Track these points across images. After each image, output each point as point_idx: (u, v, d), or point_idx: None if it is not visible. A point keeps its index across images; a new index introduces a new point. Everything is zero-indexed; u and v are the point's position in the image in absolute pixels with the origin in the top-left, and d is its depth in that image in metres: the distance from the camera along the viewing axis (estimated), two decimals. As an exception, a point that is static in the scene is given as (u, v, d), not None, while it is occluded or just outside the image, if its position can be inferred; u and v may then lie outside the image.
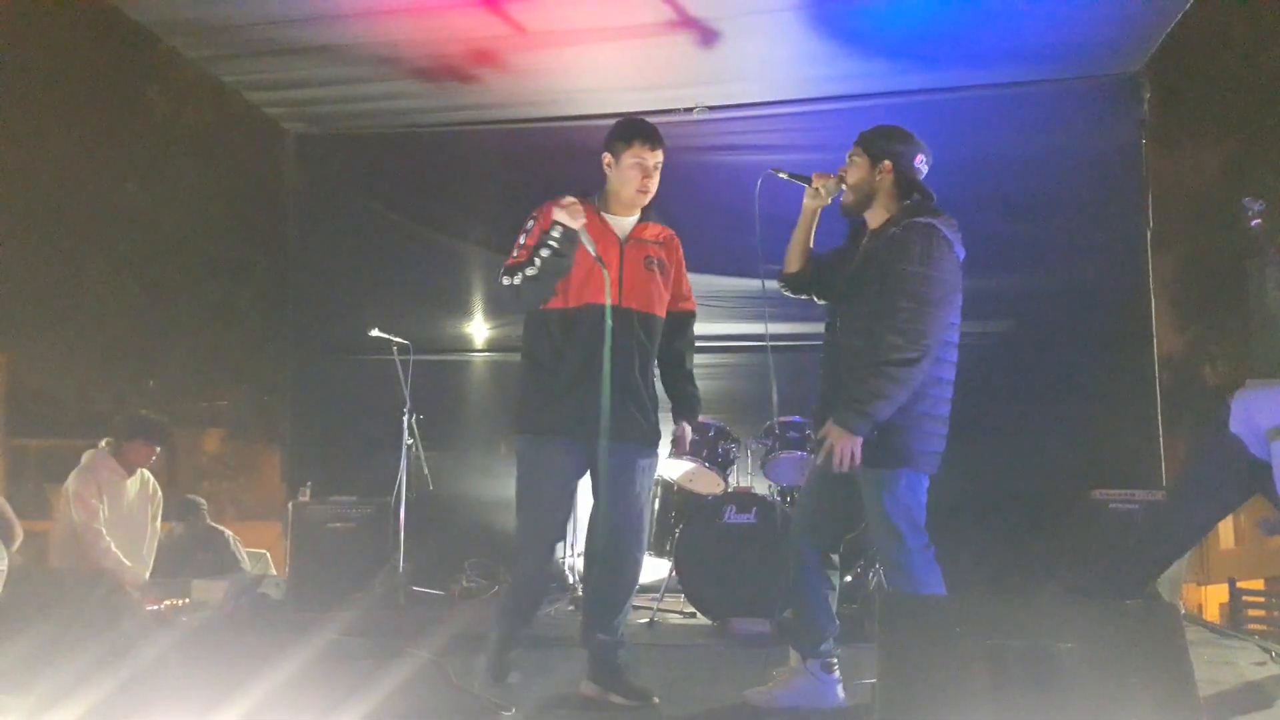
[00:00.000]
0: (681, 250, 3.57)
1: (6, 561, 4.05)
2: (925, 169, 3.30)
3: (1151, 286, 6.02)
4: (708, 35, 5.52)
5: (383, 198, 6.88)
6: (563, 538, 4.50)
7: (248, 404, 13.42)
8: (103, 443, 5.40)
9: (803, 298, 3.53)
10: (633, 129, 3.38)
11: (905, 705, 2.31)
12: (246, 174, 11.08)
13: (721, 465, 5.18)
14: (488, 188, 6.65)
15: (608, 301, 3.26)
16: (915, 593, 3.07)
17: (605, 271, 3.25)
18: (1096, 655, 2.28)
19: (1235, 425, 3.71)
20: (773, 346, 4.21)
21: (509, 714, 3.14)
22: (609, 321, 3.25)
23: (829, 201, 3.39)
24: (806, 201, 3.43)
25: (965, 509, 5.47)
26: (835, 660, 3.30)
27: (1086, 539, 5.02)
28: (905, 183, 3.24)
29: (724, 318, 6.26)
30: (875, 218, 3.30)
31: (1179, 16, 5.31)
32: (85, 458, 5.32)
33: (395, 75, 6.06)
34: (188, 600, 5.38)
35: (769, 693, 3.32)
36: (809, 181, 3.40)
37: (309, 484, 5.95)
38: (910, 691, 2.33)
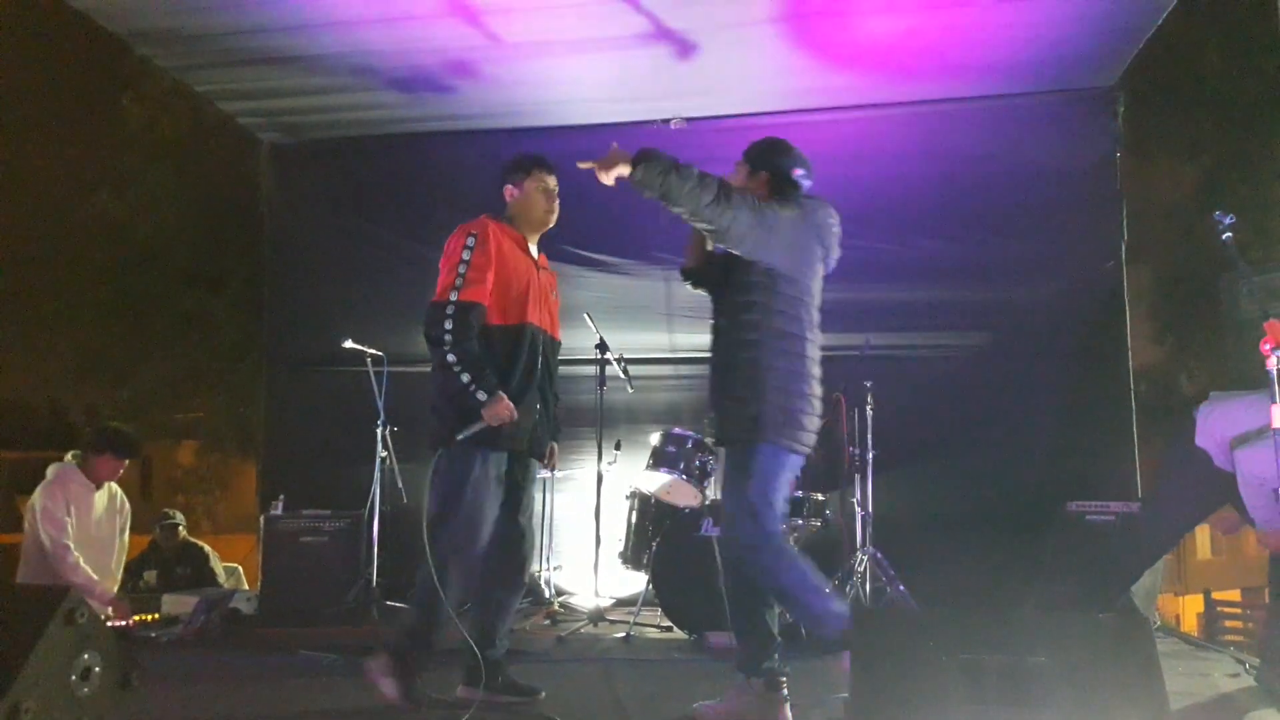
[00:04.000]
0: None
1: None
2: (806, 183, 3.43)
3: (1126, 299, 6.06)
4: (686, 47, 5.54)
5: (357, 208, 6.85)
6: None
7: (222, 416, 13.25)
8: (69, 455, 5.31)
9: (700, 292, 3.64)
10: (532, 158, 3.62)
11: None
12: (221, 184, 11.01)
13: (699, 477, 5.15)
14: (464, 198, 6.60)
15: (540, 324, 3.54)
16: (761, 580, 3.18)
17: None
18: (1068, 669, 2.27)
19: (1200, 438, 3.76)
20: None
21: None
22: (540, 342, 3.53)
23: None
24: None
25: (942, 520, 5.48)
26: (783, 678, 3.27)
27: (1063, 551, 5.02)
28: (778, 194, 3.35)
29: (702, 329, 6.25)
30: None
31: (1153, 31, 5.37)
32: (51, 471, 5.21)
33: (371, 85, 6.04)
34: (157, 616, 5.30)
35: (714, 708, 3.31)
36: None
37: (281, 497, 5.89)
38: (882, 706, 2.31)
